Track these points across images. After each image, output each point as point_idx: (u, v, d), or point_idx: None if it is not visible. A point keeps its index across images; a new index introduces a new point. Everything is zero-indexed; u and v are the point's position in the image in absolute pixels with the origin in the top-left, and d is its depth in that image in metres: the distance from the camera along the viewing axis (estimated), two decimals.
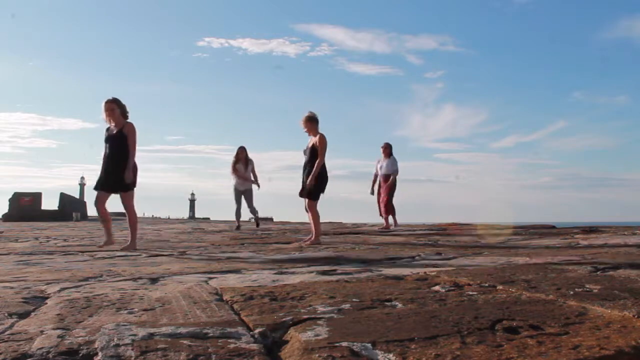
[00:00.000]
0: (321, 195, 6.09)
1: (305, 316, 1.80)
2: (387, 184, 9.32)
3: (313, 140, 6.08)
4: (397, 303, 2.03)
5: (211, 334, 1.59)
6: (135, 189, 5.57)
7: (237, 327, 1.67)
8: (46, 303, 2.18)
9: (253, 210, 10.30)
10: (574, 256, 3.72)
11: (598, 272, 2.83)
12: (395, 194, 9.45)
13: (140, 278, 2.96)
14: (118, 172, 5.38)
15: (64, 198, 30.05)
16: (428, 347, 1.41)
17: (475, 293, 2.22)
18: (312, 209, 6.04)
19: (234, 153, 10.29)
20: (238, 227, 10.19)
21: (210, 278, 2.91)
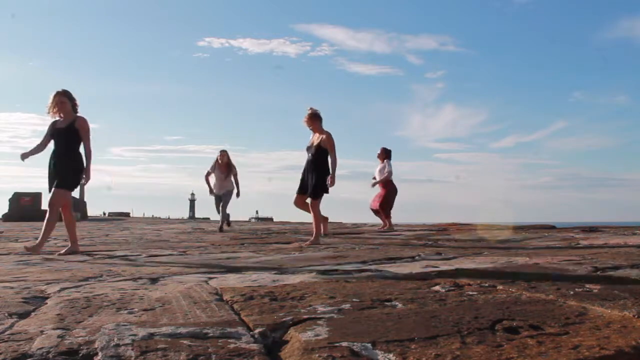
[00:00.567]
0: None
1: (305, 316, 1.80)
2: (379, 180, 9.34)
3: (318, 138, 5.90)
4: (397, 303, 2.03)
5: (211, 334, 1.59)
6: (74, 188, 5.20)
7: (237, 327, 1.68)
8: (46, 303, 2.19)
9: (224, 215, 9.72)
10: (574, 256, 3.72)
11: (598, 272, 2.83)
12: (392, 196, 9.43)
13: (140, 278, 2.96)
14: (64, 169, 4.94)
15: None
16: (428, 347, 1.41)
17: (475, 293, 2.22)
18: (314, 208, 5.93)
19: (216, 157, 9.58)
20: (227, 225, 9.95)
21: (210, 278, 2.91)
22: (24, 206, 28.06)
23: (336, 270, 3.18)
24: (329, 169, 5.88)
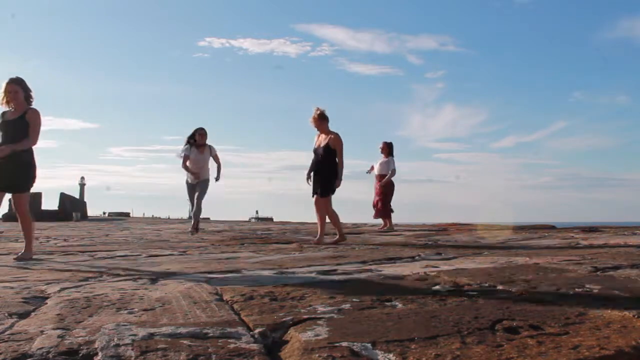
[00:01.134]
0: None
1: (305, 316, 1.80)
2: (381, 183, 8.89)
3: (326, 139, 5.84)
4: (397, 303, 2.03)
5: (211, 334, 1.59)
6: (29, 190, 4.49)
7: (237, 327, 1.68)
8: (46, 303, 2.19)
9: (198, 209, 7.80)
10: (574, 256, 3.72)
11: (598, 272, 2.83)
12: (393, 196, 9.24)
13: (140, 278, 2.96)
14: (15, 168, 4.30)
15: (64, 198, 30.06)
16: (428, 347, 1.41)
17: (475, 293, 2.22)
18: (322, 206, 5.85)
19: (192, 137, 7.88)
20: (195, 230, 7.86)
21: (210, 278, 2.91)
22: None
23: (336, 270, 3.18)
24: (336, 169, 5.84)
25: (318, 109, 5.95)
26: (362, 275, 2.89)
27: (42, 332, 1.64)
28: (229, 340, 1.52)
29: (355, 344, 1.44)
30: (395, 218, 9.57)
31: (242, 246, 5.77)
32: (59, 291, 2.49)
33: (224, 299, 2.21)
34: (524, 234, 6.95)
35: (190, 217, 7.81)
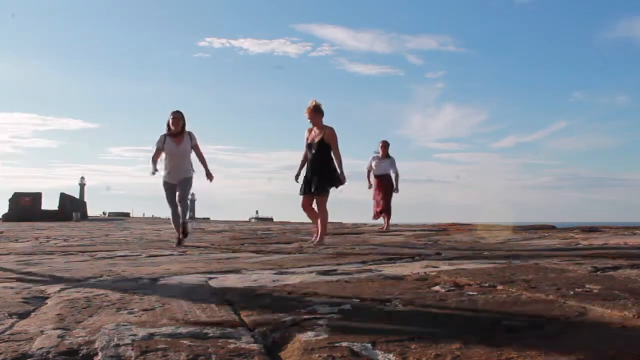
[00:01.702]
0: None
1: (305, 316, 1.80)
2: (385, 184, 8.64)
3: (320, 133, 5.64)
4: (397, 303, 2.03)
5: (211, 334, 1.59)
6: None
7: (237, 327, 1.68)
8: (46, 303, 2.18)
9: (184, 210, 5.86)
10: (574, 256, 3.72)
11: (598, 272, 2.83)
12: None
13: (140, 278, 2.96)
14: None
15: (64, 198, 30.07)
16: (428, 347, 1.41)
17: (475, 293, 2.22)
18: (323, 203, 5.66)
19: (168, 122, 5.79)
20: (179, 242, 5.81)
21: (210, 278, 2.91)
22: (24, 206, 28.09)
23: (336, 270, 3.18)
24: (334, 165, 5.64)
25: (314, 101, 5.74)
26: (362, 275, 2.89)
27: (42, 332, 1.64)
28: (229, 340, 1.52)
29: (355, 344, 1.44)
30: (396, 218, 9.56)
31: (242, 246, 5.77)
32: (59, 291, 2.49)
33: (224, 299, 2.21)
34: (524, 234, 6.95)
35: (175, 225, 5.88)
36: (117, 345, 1.47)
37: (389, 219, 8.85)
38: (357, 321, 1.73)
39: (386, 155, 8.76)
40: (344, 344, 1.45)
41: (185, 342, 1.50)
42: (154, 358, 1.36)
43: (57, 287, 2.61)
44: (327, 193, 5.69)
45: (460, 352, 1.36)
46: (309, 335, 1.55)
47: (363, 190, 9.09)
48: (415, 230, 8.62)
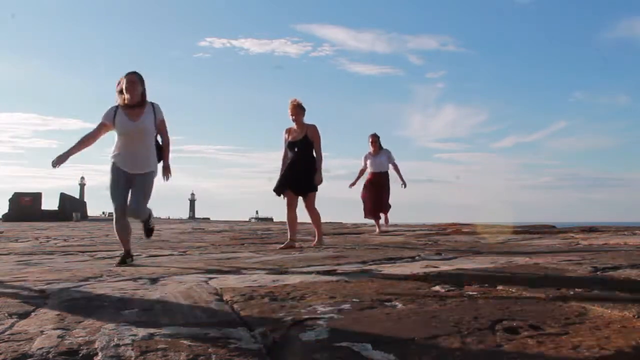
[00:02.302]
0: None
1: (305, 316, 1.80)
2: (385, 182, 7.78)
3: (302, 131, 5.46)
4: (397, 303, 2.03)
5: (211, 334, 1.59)
6: None
7: (237, 327, 1.68)
8: (46, 303, 2.18)
9: (140, 211, 4.03)
10: (573, 256, 3.72)
11: (598, 272, 2.83)
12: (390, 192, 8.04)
13: (140, 278, 2.96)
14: None
15: (64, 198, 30.09)
16: (428, 347, 1.41)
17: (475, 293, 2.22)
18: (314, 206, 5.50)
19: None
20: (125, 258, 4.01)
21: (210, 278, 2.91)
22: (24, 206, 28.11)
23: (336, 270, 3.18)
24: (315, 164, 5.46)
25: (296, 99, 5.53)
26: (362, 276, 2.89)
27: (42, 332, 1.64)
28: (229, 340, 1.52)
29: (355, 344, 1.44)
30: (396, 218, 9.55)
31: (242, 246, 5.78)
32: (59, 291, 2.49)
33: (224, 299, 2.21)
34: (524, 234, 6.96)
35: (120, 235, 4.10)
36: (117, 345, 1.47)
37: (387, 212, 8.01)
38: (357, 321, 1.73)
39: (378, 149, 7.82)
40: (344, 344, 1.45)
41: (185, 342, 1.50)
42: (154, 358, 1.36)
43: (57, 287, 2.61)
44: (315, 191, 5.50)
45: (460, 352, 1.36)
46: (309, 335, 1.55)
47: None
48: (415, 230, 8.62)
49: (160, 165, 4.10)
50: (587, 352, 1.33)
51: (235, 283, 2.69)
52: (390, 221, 8.65)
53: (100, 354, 1.40)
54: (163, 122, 4.04)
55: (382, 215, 8.00)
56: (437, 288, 2.38)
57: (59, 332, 1.64)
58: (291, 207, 5.51)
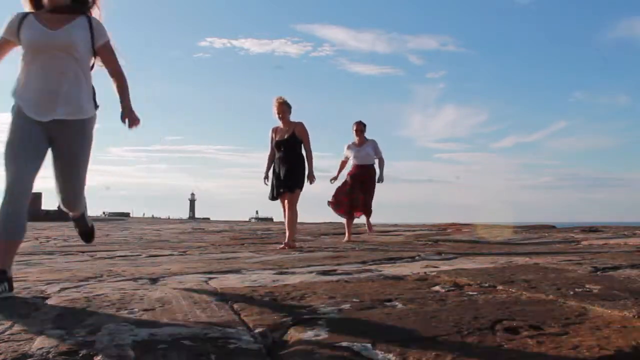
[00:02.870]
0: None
1: (305, 316, 1.80)
2: (369, 177, 6.68)
3: (290, 129, 5.35)
4: (397, 303, 2.03)
5: (211, 334, 1.59)
6: None
7: (237, 327, 1.67)
8: (46, 303, 2.18)
9: (72, 196, 2.61)
10: (574, 256, 3.72)
11: (598, 272, 2.83)
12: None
13: (140, 278, 2.96)
14: None
15: None
16: (428, 347, 1.41)
17: (475, 293, 2.22)
18: (295, 202, 5.31)
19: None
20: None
21: (210, 278, 2.91)
22: None
23: (336, 270, 3.18)
24: (304, 163, 5.37)
25: (281, 97, 5.41)
26: (362, 275, 2.89)
27: (42, 332, 1.64)
28: (229, 341, 1.52)
29: (355, 344, 1.44)
30: (396, 218, 9.53)
31: (242, 246, 5.78)
32: (59, 291, 2.49)
33: (224, 299, 2.21)
34: (524, 234, 6.95)
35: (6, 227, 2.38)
36: (117, 345, 1.47)
37: (369, 217, 6.93)
38: (357, 321, 1.73)
39: (363, 139, 6.76)
40: (344, 344, 1.45)
41: (185, 342, 1.50)
42: (154, 358, 1.36)
43: (57, 287, 2.61)
44: (300, 190, 5.36)
45: (460, 352, 1.36)
46: (309, 335, 1.55)
47: None
48: (415, 230, 8.62)
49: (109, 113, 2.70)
50: (587, 352, 1.34)
51: (235, 283, 2.69)
52: (390, 221, 8.60)
53: (100, 354, 1.40)
54: (108, 47, 2.60)
55: (358, 215, 6.82)
56: (437, 288, 2.38)
57: (59, 332, 1.64)
58: (284, 206, 5.44)
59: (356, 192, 6.62)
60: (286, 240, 5.25)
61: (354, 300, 2.10)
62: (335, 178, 6.82)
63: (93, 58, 2.59)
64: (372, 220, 7.03)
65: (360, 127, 6.77)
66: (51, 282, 2.81)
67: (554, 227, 8.27)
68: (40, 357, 1.38)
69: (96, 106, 2.61)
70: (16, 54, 2.53)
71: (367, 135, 6.85)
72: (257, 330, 1.63)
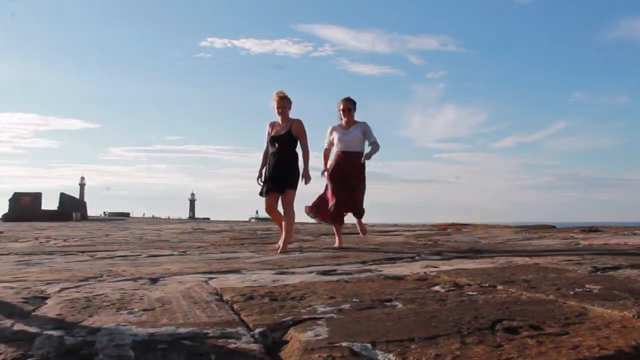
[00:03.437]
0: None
1: (305, 316, 1.80)
2: (356, 168, 5.25)
3: (287, 125, 5.08)
4: (397, 303, 2.03)
5: (211, 334, 1.59)
6: None
7: (237, 327, 1.67)
8: (46, 303, 2.18)
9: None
10: (573, 256, 3.72)
11: (598, 272, 2.83)
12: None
13: (140, 278, 2.96)
14: None
15: (64, 198, 30.11)
16: (428, 347, 1.41)
17: (475, 293, 2.22)
18: (291, 204, 5.04)
19: None
20: None
21: (210, 278, 2.91)
22: (24, 206, 28.12)
23: (336, 270, 3.18)
24: (299, 161, 5.10)
25: (282, 91, 5.11)
26: (362, 275, 2.89)
27: (42, 332, 1.64)
28: (229, 340, 1.52)
29: (355, 344, 1.44)
30: (396, 218, 9.53)
31: (242, 246, 5.78)
32: (59, 291, 2.49)
33: (224, 299, 2.21)
34: (524, 234, 6.95)
35: None
36: (117, 345, 1.47)
37: (359, 218, 5.65)
38: (357, 321, 1.73)
39: (352, 120, 5.38)
40: (344, 344, 1.44)
41: (185, 342, 1.50)
42: (154, 358, 1.36)
43: (57, 287, 2.61)
44: (294, 189, 5.04)
45: (460, 352, 1.36)
46: (309, 335, 1.55)
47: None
48: (415, 230, 8.62)
49: None
50: (587, 352, 1.33)
51: (235, 283, 2.69)
52: (390, 221, 8.33)
53: (100, 354, 1.40)
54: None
55: (346, 212, 5.45)
56: (437, 288, 2.38)
57: (59, 332, 1.64)
58: (271, 210, 5.20)
59: (339, 189, 5.28)
60: (281, 242, 4.93)
61: (354, 300, 2.10)
62: (326, 171, 5.43)
63: None
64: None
65: (348, 105, 5.34)
66: (51, 282, 2.81)
67: (554, 227, 8.27)
68: (40, 357, 1.37)
69: None
70: None
71: None
72: (257, 330, 1.63)
